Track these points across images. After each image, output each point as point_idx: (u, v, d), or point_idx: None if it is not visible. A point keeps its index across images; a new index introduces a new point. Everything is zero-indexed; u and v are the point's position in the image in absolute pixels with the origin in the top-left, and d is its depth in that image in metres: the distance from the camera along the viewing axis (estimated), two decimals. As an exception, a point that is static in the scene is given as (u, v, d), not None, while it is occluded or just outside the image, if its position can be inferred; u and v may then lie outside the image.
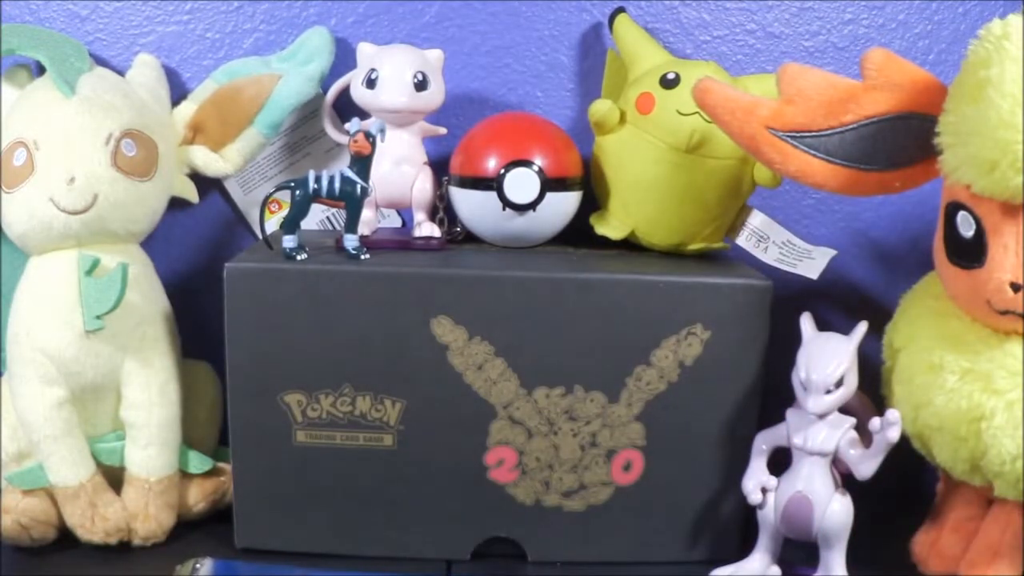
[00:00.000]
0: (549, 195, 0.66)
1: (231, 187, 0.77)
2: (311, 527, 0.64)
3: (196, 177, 0.72)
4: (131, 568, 0.63)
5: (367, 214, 0.66)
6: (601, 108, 0.67)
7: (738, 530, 0.66)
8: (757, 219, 0.69)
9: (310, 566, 0.63)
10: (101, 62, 0.72)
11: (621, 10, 0.73)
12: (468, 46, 0.76)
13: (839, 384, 0.59)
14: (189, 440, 0.69)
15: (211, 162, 0.71)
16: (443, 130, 0.72)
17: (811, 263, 0.66)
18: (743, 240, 0.69)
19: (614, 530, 0.65)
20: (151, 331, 0.66)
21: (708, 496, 0.65)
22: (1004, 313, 0.55)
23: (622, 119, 0.68)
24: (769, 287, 0.62)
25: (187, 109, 0.71)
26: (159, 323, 0.67)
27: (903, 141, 0.57)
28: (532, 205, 0.66)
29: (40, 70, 0.69)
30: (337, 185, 0.61)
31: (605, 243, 0.70)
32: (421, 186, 0.69)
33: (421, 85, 0.68)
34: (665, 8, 0.76)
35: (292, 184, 0.62)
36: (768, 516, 0.61)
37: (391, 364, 0.61)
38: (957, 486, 0.63)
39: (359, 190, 0.62)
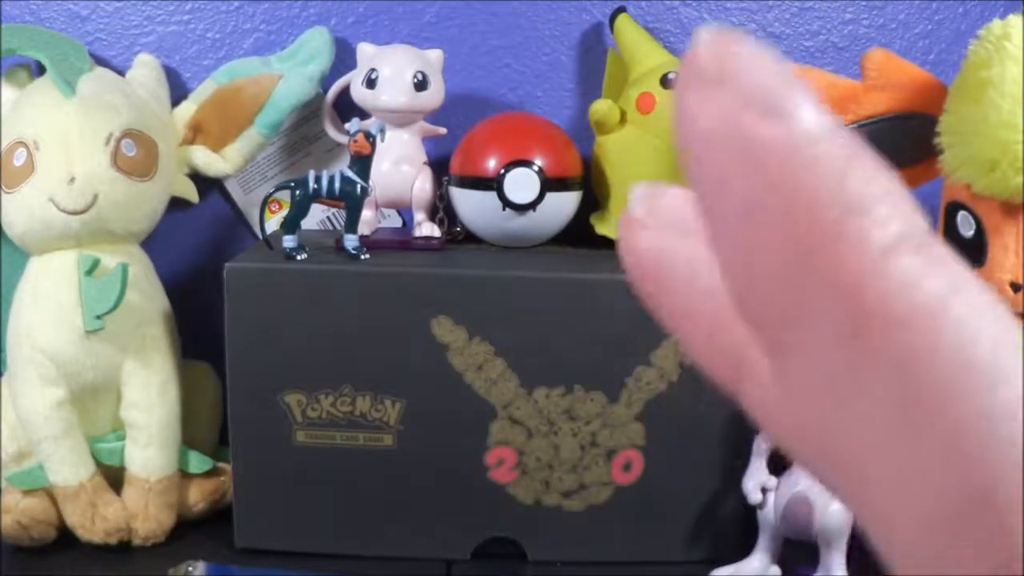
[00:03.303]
0: (549, 195, 0.66)
1: (231, 187, 0.77)
2: (311, 527, 0.64)
3: (196, 177, 0.72)
4: (131, 568, 0.63)
5: (367, 214, 0.66)
6: (601, 108, 0.67)
7: (738, 530, 0.66)
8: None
9: (310, 566, 0.63)
10: (101, 62, 0.72)
11: (622, 10, 0.73)
12: (468, 46, 0.76)
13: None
14: (189, 440, 0.69)
15: (211, 162, 0.71)
16: (443, 130, 0.72)
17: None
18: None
19: (614, 530, 0.65)
20: (151, 331, 0.66)
21: (708, 496, 0.65)
22: (1004, 313, 0.55)
23: (623, 119, 0.68)
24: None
25: (187, 109, 0.71)
26: (159, 323, 0.67)
27: (903, 141, 0.57)
28: (532, 205, 0.66)
29: (40, 70, 0.68)
30: (337, 185, 0.61)
31: (605, 243, 0.70)
32: (421, 186, 0.69)
33: (421, 85, 0.68)
34: (665, 8, 0.75)
35: (292, 184, 0.62)
36: (768, 516, 0.61)
37: (391, 364, 0.61)
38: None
39: (359, 190, 0.62)
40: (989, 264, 0.54)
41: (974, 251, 0.55)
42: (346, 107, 0.72)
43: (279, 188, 0.63)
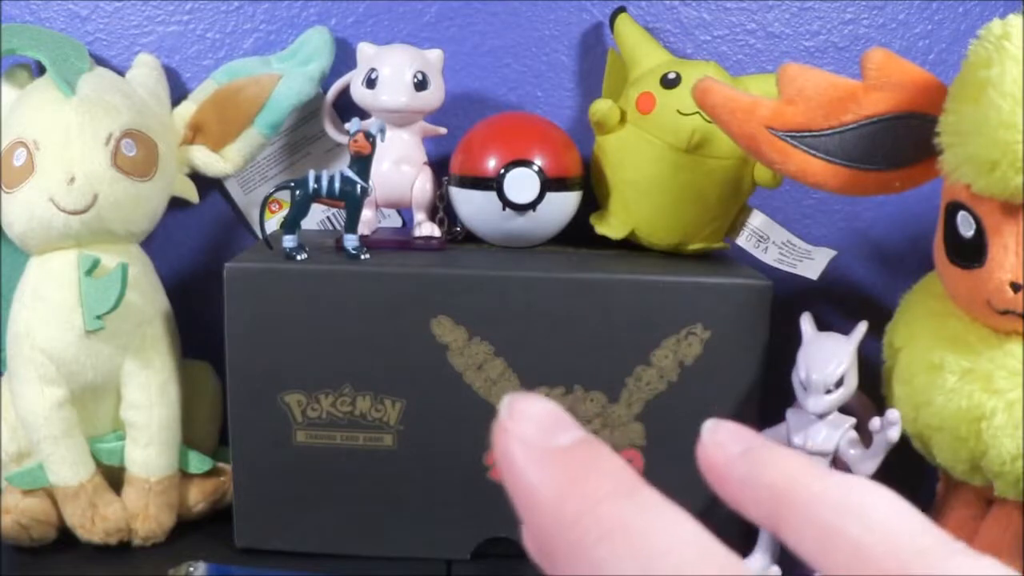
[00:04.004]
0: (549, 195, 0.66)
1: (231, 187, 0.77)
2: (311, 527, 0.64)
3: (196, 177, 0.72)
4: (131, 568, 0.63)
5: (367, 214, 0.66)
6: (601, 108, 0.67)
7: (738, 530, 0.66)
8: (757, 219, 0.69)
9: (310, 566, 0.63)
10: (101, 62, 0.72)
11: (622, 10, 0.73)
12: (468, 46, 0.76)
13: (839, 384, 0.59)
14: (189, 440, 0.69)
15: (211, 162, 0.71)
16: (443, 130, 0.72)
17: (811, 263, 0.66)
18: (743, 240, 0.69)
19: (614, 530, 0.65)
20: (151, 331, 0.66)
21: (708, 496, 0.65)
22: (1004, 313, 0.55)
23: (622, 119, 0.68)
24: (769, 287, 0.62)
25: (187, 109, 0.71)
26: (159, 323, 0.67)
27: (903, 141, 0.57)
28: (532, 205, 0.66)
29: (40, 70, 0.68)
30: (337, 185, 0.61)
31: (605, 243, 0.70)
32: (421, 186, 0.69)
33: (421, 85, 0.68)
34: (665, 8, 0.75)
35: (292, 184, 0.62)
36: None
37: (391, 364, 0.61)
38: (957, 486, 0.63)
39: (359, 190, 0.62)
40: (989, 264, 0.54)
41: (974, 251, 0.55)
42: (346, 107, 0.72)
43: (279, 188, 0.63)
